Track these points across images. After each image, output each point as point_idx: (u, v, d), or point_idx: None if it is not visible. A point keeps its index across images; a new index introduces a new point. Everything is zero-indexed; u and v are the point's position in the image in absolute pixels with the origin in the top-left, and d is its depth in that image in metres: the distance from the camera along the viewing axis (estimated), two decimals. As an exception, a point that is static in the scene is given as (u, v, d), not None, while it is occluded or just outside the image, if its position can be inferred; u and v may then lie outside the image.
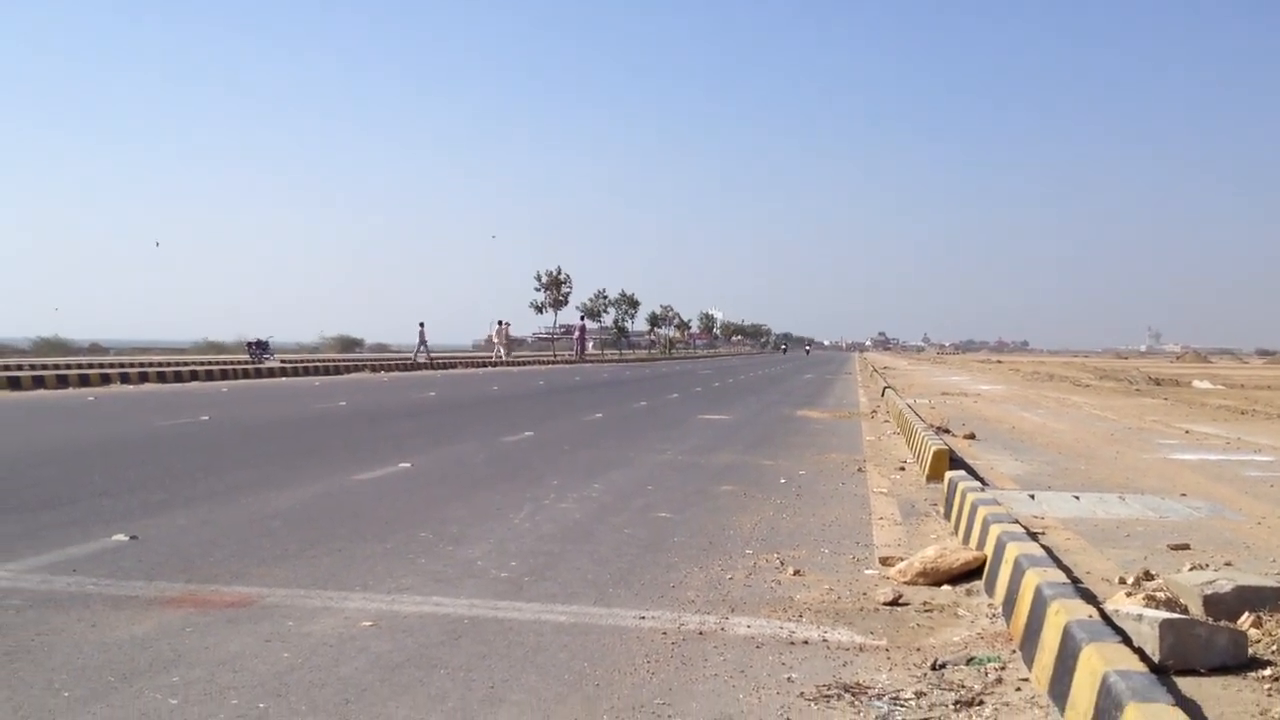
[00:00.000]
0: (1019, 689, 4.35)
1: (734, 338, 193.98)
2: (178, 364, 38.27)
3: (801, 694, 4.35)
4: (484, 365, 53.10)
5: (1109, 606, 4.58)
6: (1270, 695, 3.79)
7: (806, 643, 5.11)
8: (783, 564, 6.89)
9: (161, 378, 31.55)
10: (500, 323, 64.01)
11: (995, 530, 6.33)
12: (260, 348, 44.90)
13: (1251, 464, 11.58)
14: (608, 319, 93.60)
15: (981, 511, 7.02)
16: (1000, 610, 5.56)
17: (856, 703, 4.24)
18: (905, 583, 6.31)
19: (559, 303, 76.42)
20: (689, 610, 5.69)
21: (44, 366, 33.46)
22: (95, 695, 4.17)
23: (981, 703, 4.20)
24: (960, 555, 6.42)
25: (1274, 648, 4.26)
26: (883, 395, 26.41)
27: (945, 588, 6.21)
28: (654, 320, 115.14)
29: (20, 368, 32.52)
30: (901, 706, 4.19)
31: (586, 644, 5.03)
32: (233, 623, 5.25)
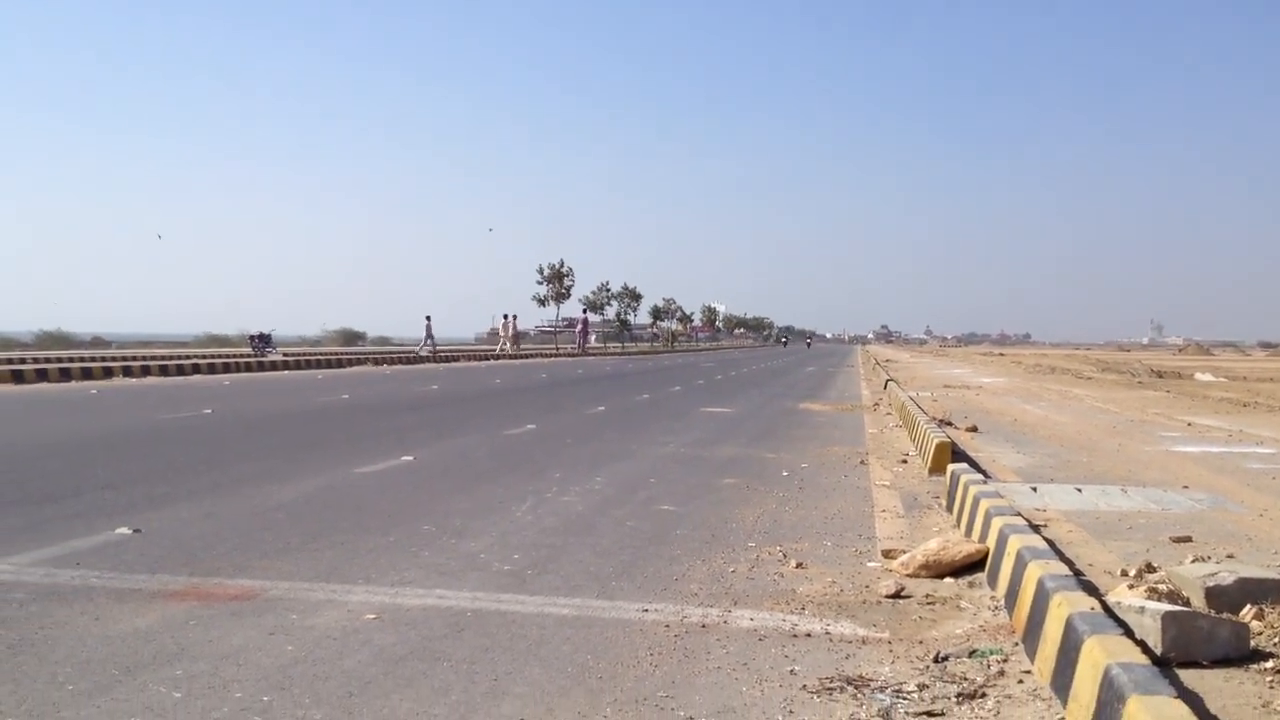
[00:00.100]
0: (1021, 681, 4.35)
1: (736, 331, 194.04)
2: (180, 357, 38.32)
3: (804, 686, 4.36)
4: (486, 359, 53.10)
5: (1111, 599, 4.58)
6: (1273, 687, 3.79)
7: (809, 635, 5.12)
8: (785, 557, 6.89)
9: (164, 371, 31.57)
10: (506, 316, 64.08)
11: (997, 523, 6.33)
12: (262, 341, 44.99)
13: (1254, 456, 11.58)
14: (610, 312, 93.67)
15: (984, 504, 7.02)
16: (1002, 603, 5.56)
17: (859, 695, 4.24)
18: (908, 575, 6.31)
19: (561, 296, 76.48)
20: (692, 603, 5.69)
21: (46, 360, 33.51)
22: (99, 688, 4.18)
23: (984, 695, 4.20)
24: (962, 548, 6.42)
25: (1276, 640, 4.26)
26: (885, 388, 26.41)
27: (948, 580, 6.22)
28: (656, 313, 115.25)
29: (23, 361, 32.55)
30: (904, 699, 4.19)
31: (589, 637, 5.04)
32: (236, 616, 5.26)
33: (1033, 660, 4.53)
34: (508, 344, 61.92)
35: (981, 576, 6.21)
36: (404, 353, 52.82)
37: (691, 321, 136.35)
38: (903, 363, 57.78)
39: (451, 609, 5.46)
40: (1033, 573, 4.98)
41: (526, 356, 59.07)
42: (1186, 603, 4.64)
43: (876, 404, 22.71)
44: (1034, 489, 8.67)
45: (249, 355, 41.49)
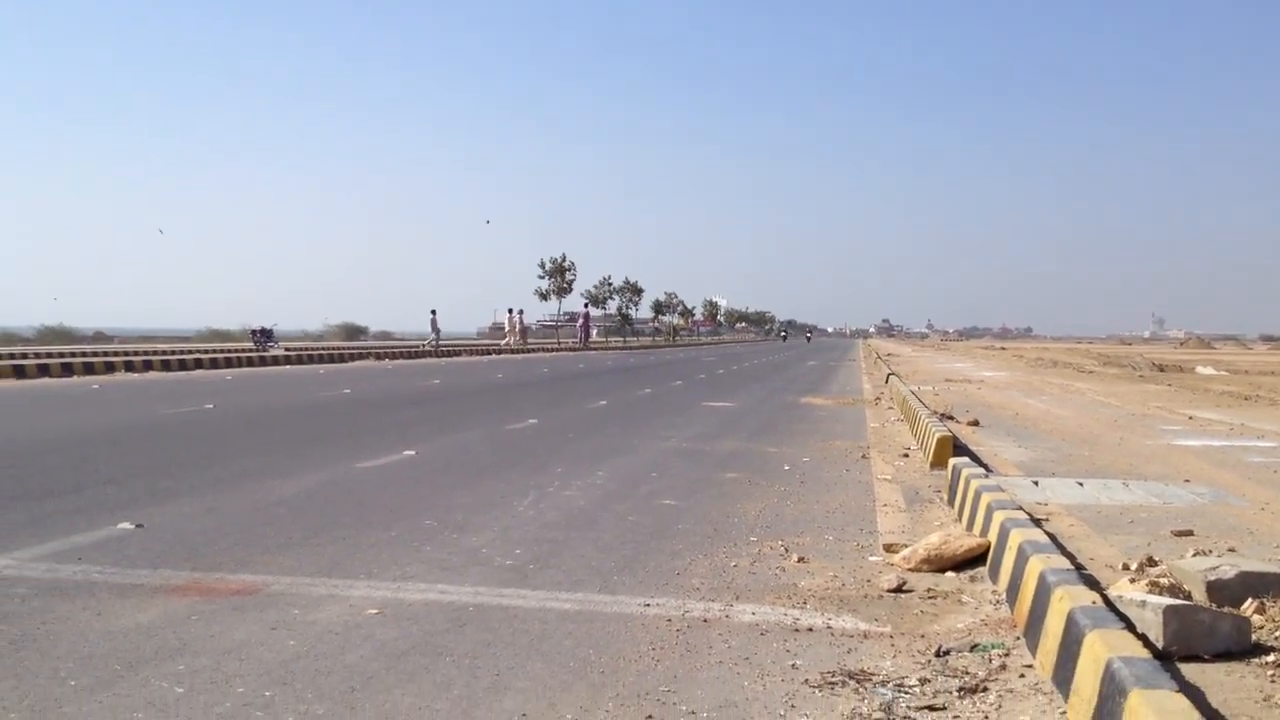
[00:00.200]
0: (1023, 675, 4.35)
1: (738, 325, 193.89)
2: (182, 352, 38.31)
3: (806, 681, 4.36)
4: (489, 353, 53.08)
5: (1112, 593, 4.58)
6: (1274, 681, 3.79)
7: (811, 630, 5.12)
8: (787, 551, 6.89)
9: (166, 366, 31.59)
10: (511, 310, 64.05)
11: (999, 517, 6.33)
12: (264, 336, 44.96)
13: (1255, 450, 11.57)
14: (612, 306, 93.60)
15: (985, 498, 7.02)
16: (1004, 597, 5.56)
17: (861, 690, 4.24)
18: (909, 569, 6.32)
19: (563, 290, 76.35)
20: (694, 597, 5.70)
21: (49, 355, 33.50)
22: (101, 684, 4.19)
23: (986, 689, 4.20)
24: (964, 542, 6.42)
25: (1277, 634, 4.26)
26: (886, 382, 26.39)
27: (949, 574, 6.22)
28: (658, 308, 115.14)
29: (25, 356, 32.58)
30: (906, 693, 4.19)
31: (591, 631, 5.04)
32: (238, 611, 5.26)
33: (1034, 654, 4.53)
34: (515, 338, 61.92)
35: (983, 570, 6.21)
36: (406, 347, 52.82)
37: (693, 316, 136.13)
38: (904, 357, 57.75)
39: (453, 604, 5.47)
40: (1034, 567, 4.98)
41: (530, 351, 59.06)
42: (1188, 596, 4.64)
43: (878, 398, 22.69)
44: (1035, 483, 8.67)
45: (251, 350, 41.50)
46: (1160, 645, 4.02)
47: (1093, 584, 4.81)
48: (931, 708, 4.03)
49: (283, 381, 26.47)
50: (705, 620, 5.26)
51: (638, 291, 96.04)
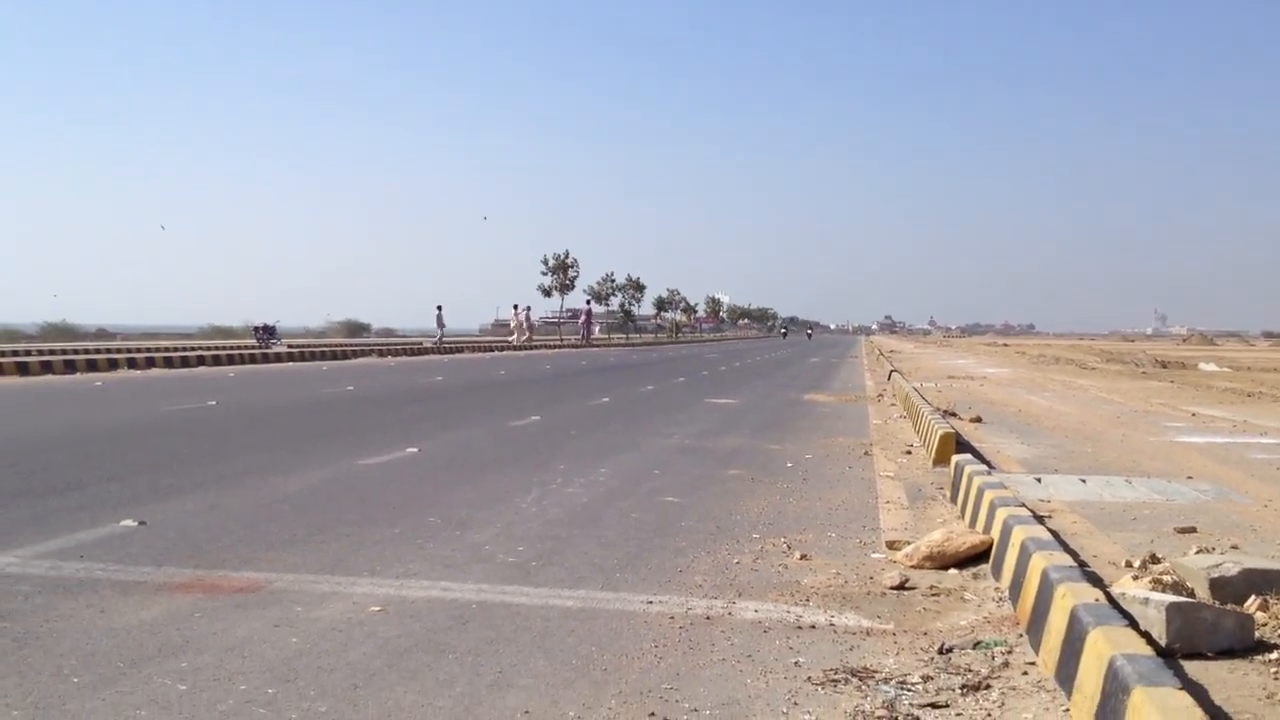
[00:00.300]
0: (1026, 673, 4.35)
1: (741, 321, 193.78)
2: (184, 349, 38.32)
3: (809, 678, 4.36)
4: (491, 350, 53.08)
5: (1115, 590, 4.58)
6: (1277, 678, 3.79)
7: (814, 627, 5.12)
8: (790, 548, 6.89)
9: (168, 363, 31.60)
10: (518, 307, 64.02)
11: (1002, 514, 6.33)
12: (267, 333, 44.94)
13: (1258, 446, 11.56)
14: (614, 303, 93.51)
15: (988, 495, 7.02)
16: (1007, 594, 5.56)
17: (864, 687, 4.24)
18: (912, 567, 6.31)
19: (566, 287, 76.25)
20: (696, 595, 5.70)
21: (51, 352, 33.52)
22: (104, 681, 4.19)
23: (988, 686, 4.20)
24: (967, 539, 6.42)
25: (1281, 631, 4.26)
26: (889, 379, 26.38)
27: (952, 571, 6.22)
28: (660, 304, 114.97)
29: (28, 353, 32.58)
30: (909, 691, 4.19)
31: (594, 629, 5.04)
32: (241, 608, 5.27)
33: (1037, 652, 4.52)
34: (523, 334, 61.90)
35: (986, 568, 6.21)
36: (408, 344, 52.80)
37: (695, 312, 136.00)
38: (906, 353, 57.72)
39: (456, 601, 5.47)
40: (1037, 564, 4.98)
41: (532, 348, 59.07)
42: (1191, 594, 4.63)
43: (880, 395, 22.68)
44: (1038, 480, 8.66)
45: (253, 347, 41.49)
46: (1163, 643, 4.02)
47: (1096, 581, 4.80)
48: (934, 705, 4.03)
49: (285, 378, 26.49)
50: (708, 617, 5.27)
51: (640, 288, 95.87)
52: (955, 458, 9.30)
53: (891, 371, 27.83)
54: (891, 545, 6.89)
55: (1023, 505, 6.70)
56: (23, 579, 5.77)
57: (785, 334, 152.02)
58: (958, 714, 3.96)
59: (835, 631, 5.06)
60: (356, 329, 70.86)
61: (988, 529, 6.61)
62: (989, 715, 3.93)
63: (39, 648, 4.61)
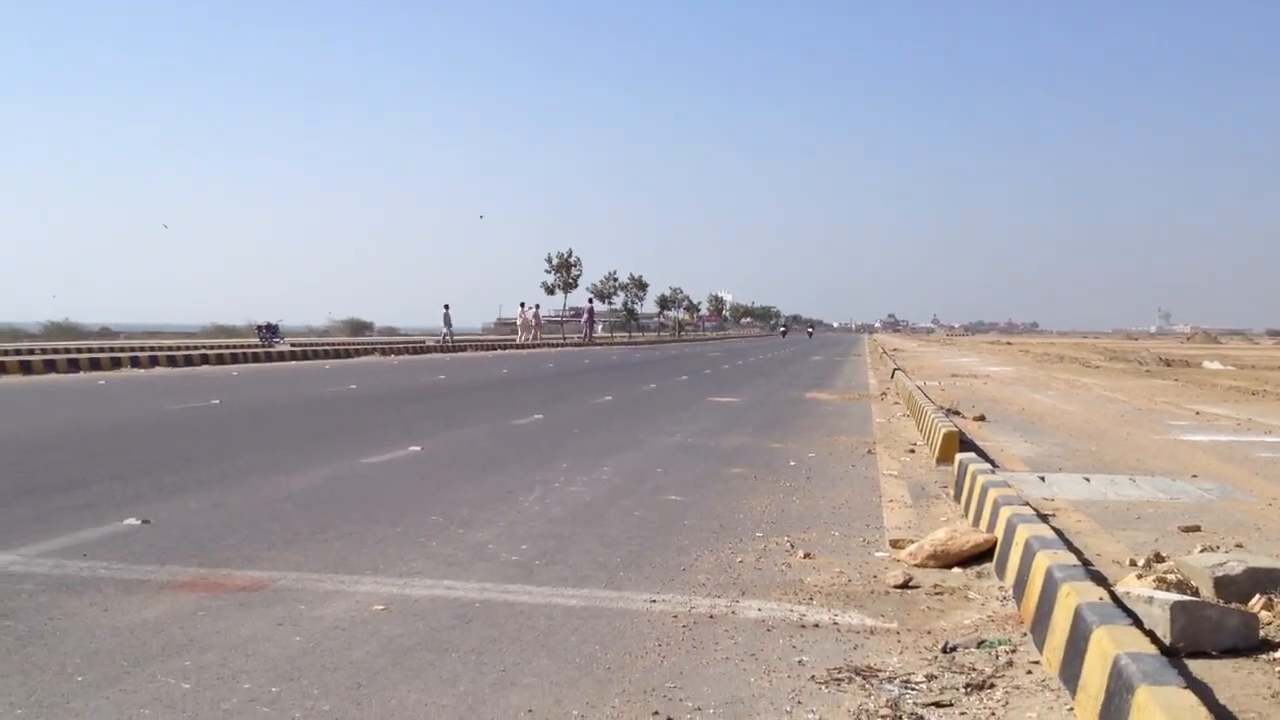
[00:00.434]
0: (1030, 672, 4.35)
1: (744, 320, 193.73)
2: (188, 348, 38.35)
3: (812, 677, 4.36)
4: (494, 349, 53.10)
5: (1120, 589, 4.57)
6: (1282, 678, 3.78)
7: (817, 626, 5.11)
8: (793, 547, 6.89)
9: (172, 361, 31.63)
10: (524, 305, 64.06)
11: (1005, 512, 6.32)
12: (270, 331, 44.96)
13: (1262, 445, 11.54)
14: (617, 301, 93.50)
15: (992, 494, 7.01)
16: (1011, 593, 5.55)
17: (867, 685, 4.24)
18: (916, 565, 6.31)
19: (569, 285, 76.24)
20: (700, 593, 5.69)
21: (55, 351, 33.55)
22: (108, 679, 4.20)
23: (993, 685, 4.20)
24: (970, 538, 6.41)
25: (1286, 630, 4.25)
26: (892, 377, 26.35)
27: (956, 570, 6.21)
28: (663, 302, 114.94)
29: (31, 352, 32.63)
30: (912, 689, 4.19)
31: (597, 627, 5.04)
32: (244, 606, 5.27)
33: (1041, 650, 4.52)
34: (528, 333, 61.95)
35: (989, 566, 6.20)
36: (411, 343, 52.81)
37: (698, 311, 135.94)
38: (910, 351, 57.68)
39: (459, 599, 5.47)
40: (1041, 563, 4.97)
41: (535, 346, 59.09)
42: (1195, 592, 4.63)
43: (884, 393, 22.67)
44: (1042, 478, 8.66)
45: (256, 346, 41.52)
46: (1168, 641, 4.02)
47: (1100, 580, 4.79)
48: (939, 704, 4.02)
49: (288, 377, 26.50)
50: (711, 616, 5.26)
51: (643, 286, 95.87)
52: (959, 456, 9.28)
53: (894, 369, 27.81)
54: (895, 544, 6.88)
55: (1026, 504, 6.69)
56: (26, 577, 5.77)
57: (785, 333, 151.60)
58: (962, 713, 3.95)
59: (839, 630, 5.05)
60: (359, 328, 70.91)
61: (991, 528, 6.60)
62: (993, 714, 3.93)
63: (43, 646, 4.61)
